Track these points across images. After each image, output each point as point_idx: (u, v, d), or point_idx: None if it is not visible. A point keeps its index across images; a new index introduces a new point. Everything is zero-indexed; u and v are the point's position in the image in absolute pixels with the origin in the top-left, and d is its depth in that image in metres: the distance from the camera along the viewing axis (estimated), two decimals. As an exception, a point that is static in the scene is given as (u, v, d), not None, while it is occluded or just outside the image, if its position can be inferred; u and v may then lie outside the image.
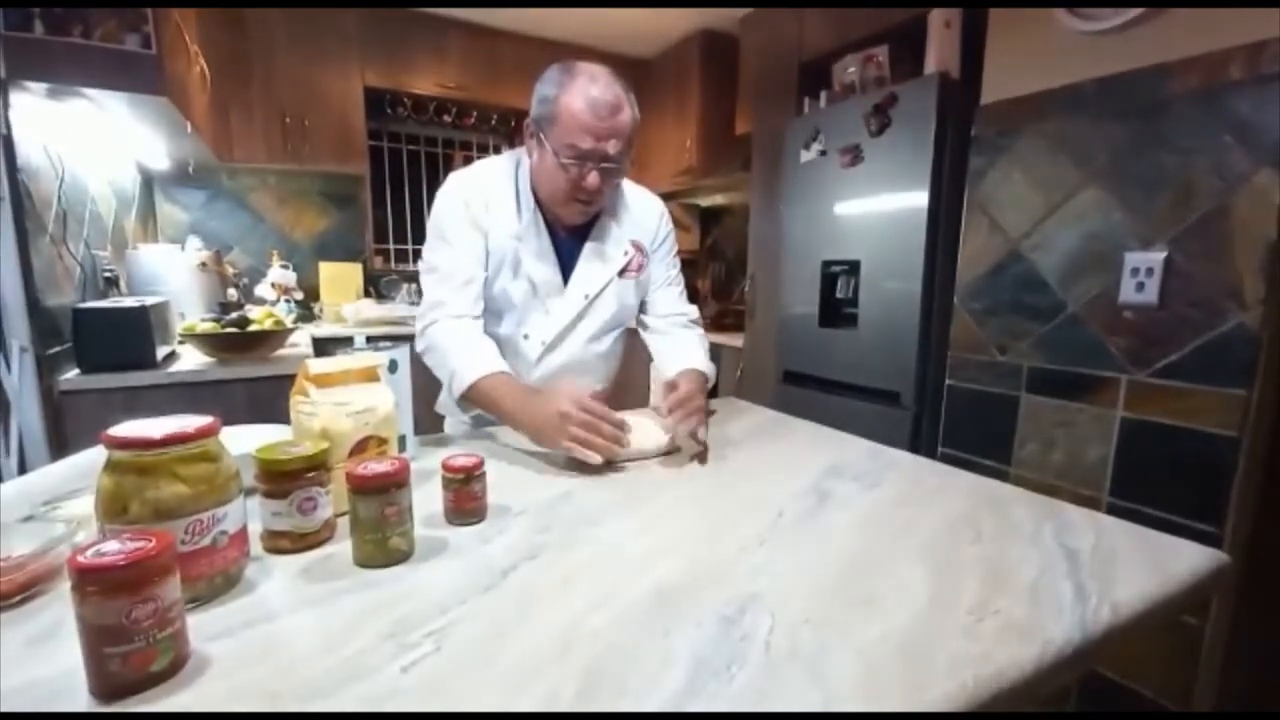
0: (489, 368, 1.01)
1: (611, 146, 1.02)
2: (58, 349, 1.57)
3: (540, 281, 1.13)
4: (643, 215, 1.22)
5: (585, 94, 0.99)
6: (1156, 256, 1.30)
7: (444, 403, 1.25)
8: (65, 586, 0.45)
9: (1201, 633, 1.26)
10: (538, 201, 1.12)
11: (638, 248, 1.20)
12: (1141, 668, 1.36)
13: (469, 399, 1.03)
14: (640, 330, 1.30)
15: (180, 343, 1.94)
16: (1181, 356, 1.27)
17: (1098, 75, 1.38)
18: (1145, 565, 0.61)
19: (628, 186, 1.22)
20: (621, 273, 1.18)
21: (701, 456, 0.96)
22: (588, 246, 1.15)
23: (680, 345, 1.22)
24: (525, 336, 1.14)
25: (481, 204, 1.10)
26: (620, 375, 1.32)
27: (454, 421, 1.25)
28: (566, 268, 1.15)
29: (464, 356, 1.03)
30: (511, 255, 1.11)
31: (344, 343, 0.95)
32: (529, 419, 0.93)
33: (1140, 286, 1.32)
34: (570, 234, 1.15)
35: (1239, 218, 1.19)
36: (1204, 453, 1.24)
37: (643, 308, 1.27)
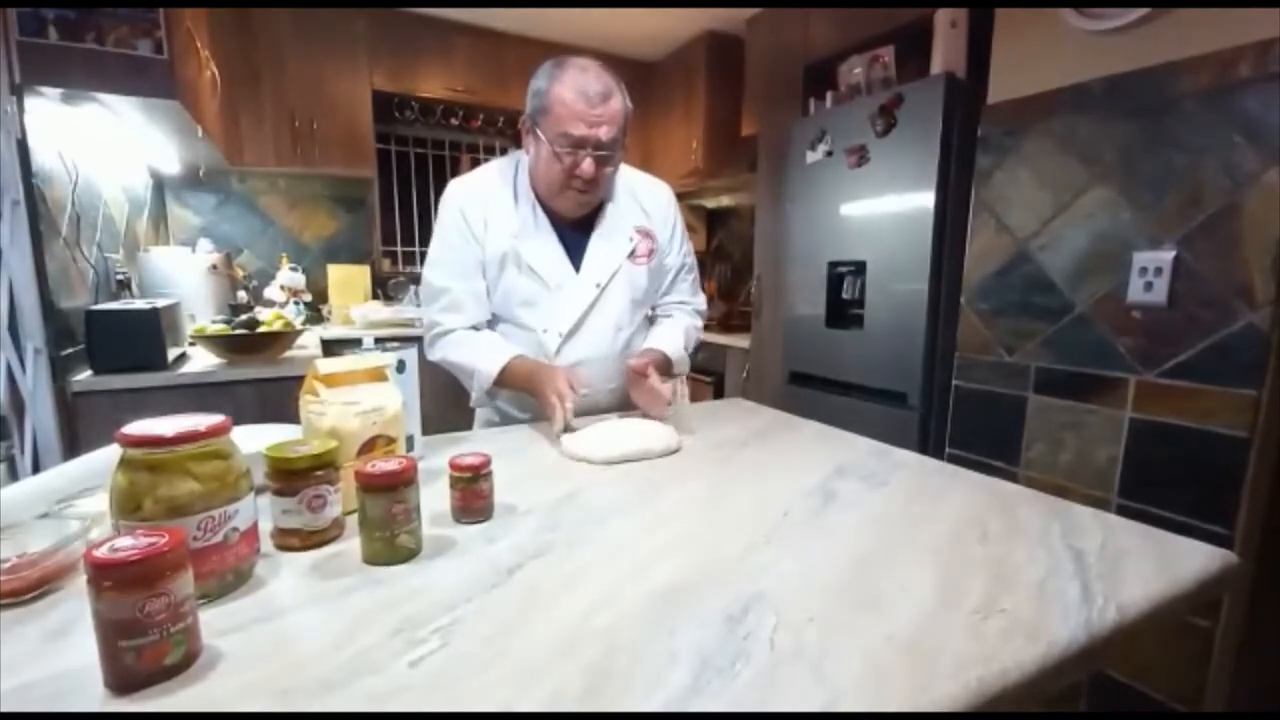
0: (504, 357, 1.11)
1: (604, 133, 1.04)
2: (71, 350, 1.59)
3: (549, 272, 1.14)
4: (650, 202, 1.25)
5: (575, 83, 1.02)
6: (1165, 256, 1.29)
7: (477, 399, 1.27)
8: (80, 582, 0.46)
9: (1212, 634, 1.25)
10: (539, 199, 1.14)
11: (644, 234, 1.22)
12: (1152, 669, 1.35)
13: (500, 385, 1.13)
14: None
15: (191, 344, 1.96)
16: (1191, 356, 1.26)
17: (1105, 74, 1.37)
18: (1152, 566, 0.61)
19: (634, 175, 1.25)
20: (630, 256, 1.20)
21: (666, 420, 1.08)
22: (594, 236, 1.18)
23: (659, 328, 1.27)
24: (544, 331, 1.16)
25: (479, 211, 1.13)
26: None
27: (483, 414, 1.28)
28: (576, 261, 1.17)
29: (477, 356, 1.13)
30: (512, 254, 1.13)
31: (352, 344, 0.96)
32: (536, 393, 1.07)
33: (1149, 286, 1.31)
34: (576, 228, 1.17)
35: (1249, 216, 1.18)
36: (1214, 453, 1.23)
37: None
